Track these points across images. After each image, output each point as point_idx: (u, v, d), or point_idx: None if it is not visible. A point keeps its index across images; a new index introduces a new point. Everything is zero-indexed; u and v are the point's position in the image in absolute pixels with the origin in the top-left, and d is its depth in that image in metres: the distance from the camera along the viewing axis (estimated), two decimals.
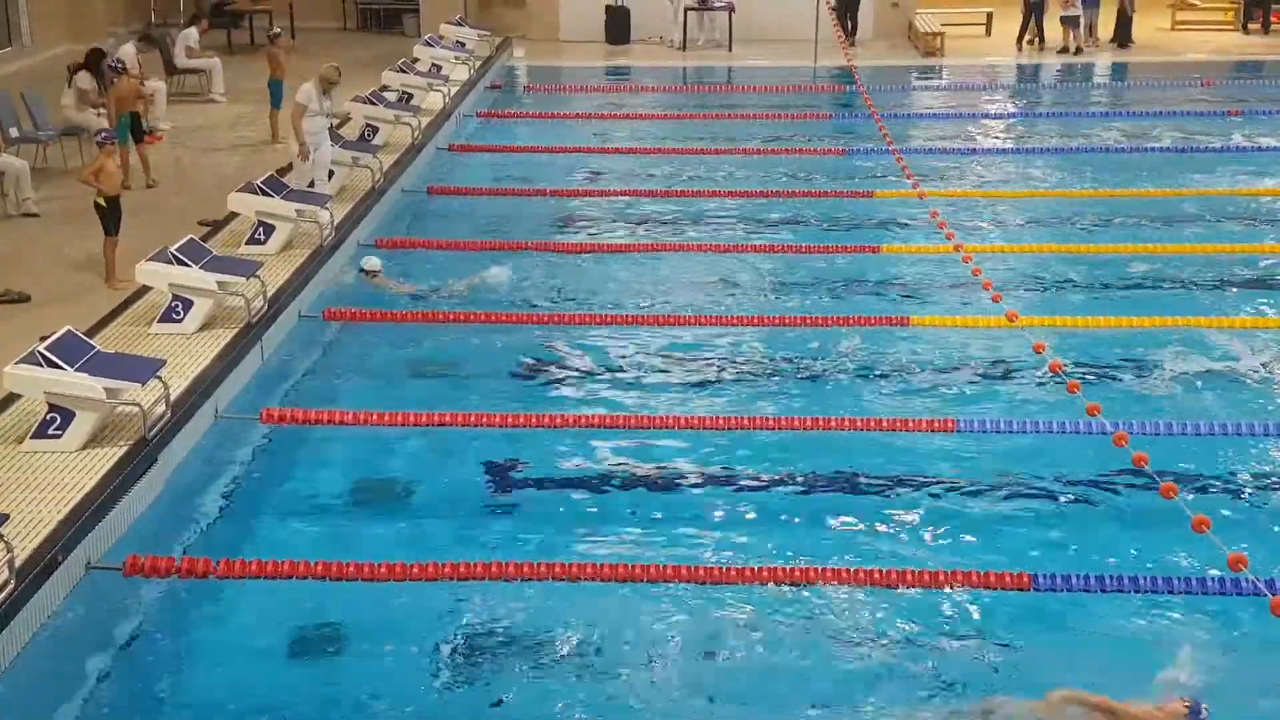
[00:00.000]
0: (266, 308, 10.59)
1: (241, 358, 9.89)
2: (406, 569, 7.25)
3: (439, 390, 10.16)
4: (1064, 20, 24.31)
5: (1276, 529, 8.15)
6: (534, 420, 9.34)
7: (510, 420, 9.22)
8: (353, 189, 14.31)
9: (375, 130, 16.14)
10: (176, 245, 10.52)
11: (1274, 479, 8.79)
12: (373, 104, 16.31)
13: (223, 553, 7.53)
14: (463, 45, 21.79)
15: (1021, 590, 7.15)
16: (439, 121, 17.79)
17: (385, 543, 7.96)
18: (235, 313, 10.38)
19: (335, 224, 12.73)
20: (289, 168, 13.74)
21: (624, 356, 10.80)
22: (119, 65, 14.90)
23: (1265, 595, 6.07)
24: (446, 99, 18.69)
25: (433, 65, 20.08)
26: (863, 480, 8.75)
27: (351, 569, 7.25)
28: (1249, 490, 8.64)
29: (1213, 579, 7.07)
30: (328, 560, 7.31)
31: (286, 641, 7.10)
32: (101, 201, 11.27)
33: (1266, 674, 6.73)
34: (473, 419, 9.14)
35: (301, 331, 11.01)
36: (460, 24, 23.07)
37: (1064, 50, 24.44)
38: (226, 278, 10.46)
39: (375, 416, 9.11)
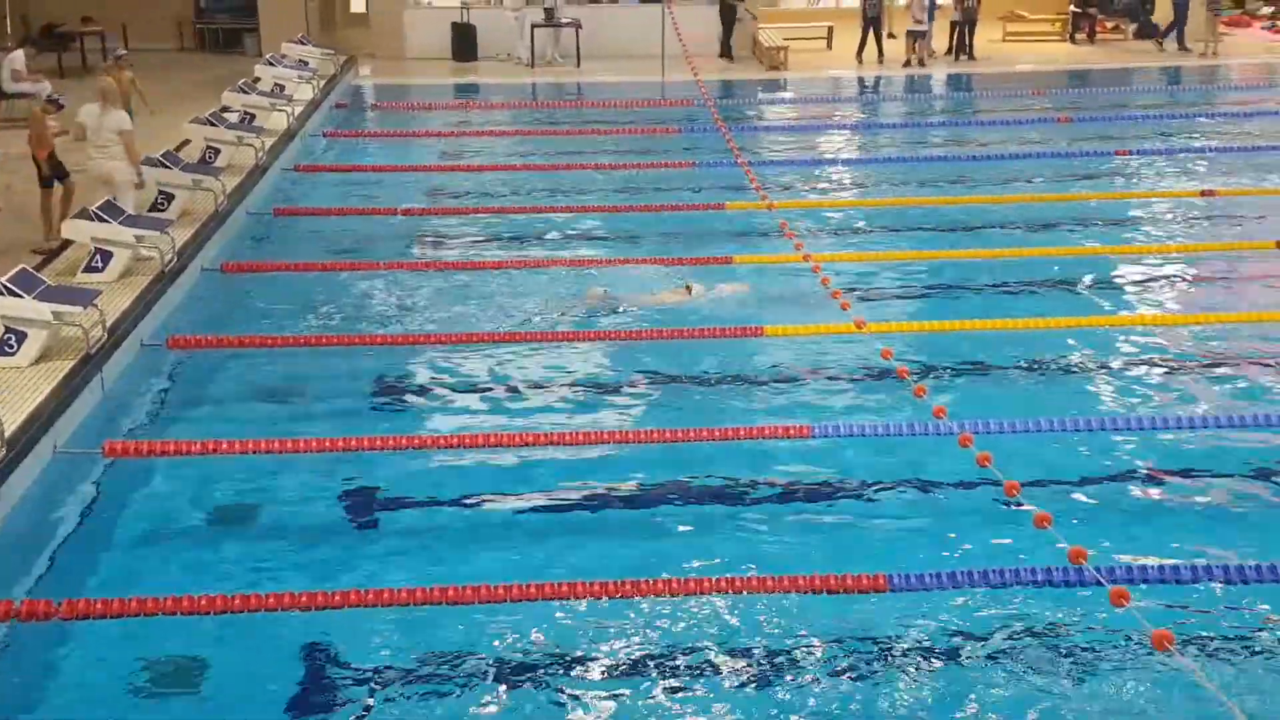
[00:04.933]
0: (106, 337, 10.26)
1: (80, 390, 9.55)
2: (262, 600, 7.07)
3: (289, 416, 9.97)
4: (910, 34, 25.00)
5: (1114, 522, 8.46)
6: (388, 443, 9.20)
7: (363, 444, 9.05)
8: (196, 212, 13.96)
9: (217, 152, 15.78)
10: (7, 276, 10.13)
11: (1112, 474, 9.13)
12: (213, 125, 15.96)
13: (66, 593, 7.25)
14: (306, 64, 21.46)
15: (878, 591, 7.29)
16: (283, 142, 17.49)
17: (238, 574, 7.76)
18: (73, 344, 10.03)
19: (177, 249, 12.41)
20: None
21: (478, 375, 10.73)
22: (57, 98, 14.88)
23: (1105, 586, 6.30)
24: (291, 119, 18.38)
25: (275, 85, 19.73)
26: (721, 489, 8.84)
27: (204, 603, 7.03)
28: (1089, 486, 8.96)
29: (1056, 571, 7.31)
30: (178, 595, 7.09)
31: (139, 681, 6.86)
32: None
33: (1109, 662, 6.99)
34: (326, 444, 8.96)
35: (144, 361, 10.69)
36: (303, 43, 22.72)
37: (907, 63, 25.12)
38: (62, 308, 10.10)
39: (224, 445, 8.87)
